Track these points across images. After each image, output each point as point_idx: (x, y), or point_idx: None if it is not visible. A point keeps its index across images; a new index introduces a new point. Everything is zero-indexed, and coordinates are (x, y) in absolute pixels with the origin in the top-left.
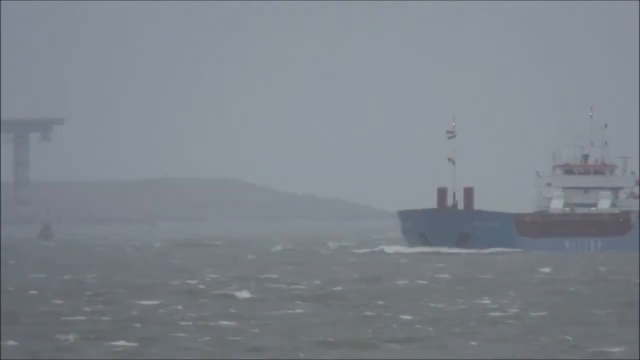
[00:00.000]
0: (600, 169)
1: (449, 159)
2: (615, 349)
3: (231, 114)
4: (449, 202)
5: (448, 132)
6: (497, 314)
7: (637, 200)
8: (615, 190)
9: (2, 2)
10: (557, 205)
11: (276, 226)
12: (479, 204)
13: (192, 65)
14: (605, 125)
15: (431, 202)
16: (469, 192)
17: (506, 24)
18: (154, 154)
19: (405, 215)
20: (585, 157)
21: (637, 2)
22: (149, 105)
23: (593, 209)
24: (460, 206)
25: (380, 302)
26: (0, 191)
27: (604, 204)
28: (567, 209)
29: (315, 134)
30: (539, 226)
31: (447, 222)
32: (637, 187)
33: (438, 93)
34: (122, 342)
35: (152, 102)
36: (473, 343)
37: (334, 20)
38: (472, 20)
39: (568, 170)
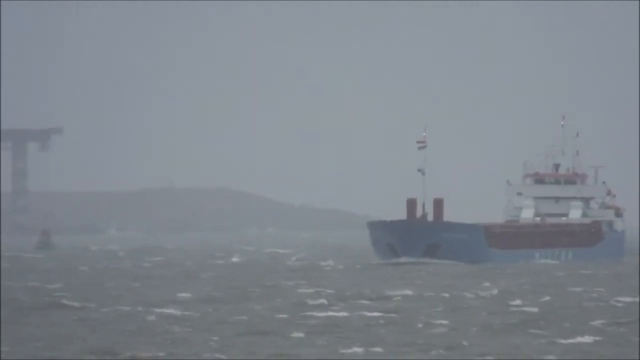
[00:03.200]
0: (571, 179)
1: (419, 170)
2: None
3: (227, 123)
4: (419, 213)
5: (418, 142)
6: None
7: (609, 210)
8: (587, 200)
9: (1, 12)
10: (527, 215)
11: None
12: (450, 215)
13: (188, 74)
14: (577, 134)
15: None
16: (438, 203)
17: (475, 31)
18: (152, 164)
19: (374, 226)
20: (556, 166)
21: (607, 6)
22: (148, 116)
23: (564, 219)
24: (430, 217)
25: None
26: (0, 201)
27: (575, 214)
28: (538, 219)
29: (311, 144)
30: (509, 237)
31: (416, 234)
32: (609, 197)
33: (409, 104)
34: None
35: (151, 112)
36: None
37: (329, 25)
38: (440, 28)
39: (539, 179)
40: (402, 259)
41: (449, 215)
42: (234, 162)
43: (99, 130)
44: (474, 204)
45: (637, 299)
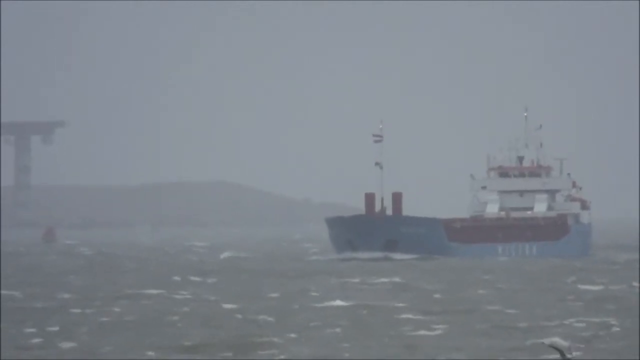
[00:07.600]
0: (535, 171)
1: (376, 164)
2: None
3: (229, 117)
4: (377, 207)
5: (375, 135)
6: None
7: (574, 203)
8: (552, 192)
9: (2, 5)
10: (492, 209)
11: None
12: (412, 210)
13: (190, 69)
14: (540, 126)
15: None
16: (397, 198)
17: (435, 24)
18: (155, 158)
19: (332, 222)
20: (520, 159)
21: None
22: (151, 110)
23: (529, 212)
24: (390, 212)
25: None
26: (1, 195)
27: (540, 207)
28: (503, 213)
29: (309, 138)
30: (470, 231)
31: (374, 228)
32: (575, 190)
33: (365, 96)
34: None
35: (153, 106)
36: None
37: (327, 24)
38: (400, 22)
39: (503, 173)
40: (361, 254)
41: (408, 210)
42: (237, 157)
43: (102, 124)
44: (437, 198)
45: None
